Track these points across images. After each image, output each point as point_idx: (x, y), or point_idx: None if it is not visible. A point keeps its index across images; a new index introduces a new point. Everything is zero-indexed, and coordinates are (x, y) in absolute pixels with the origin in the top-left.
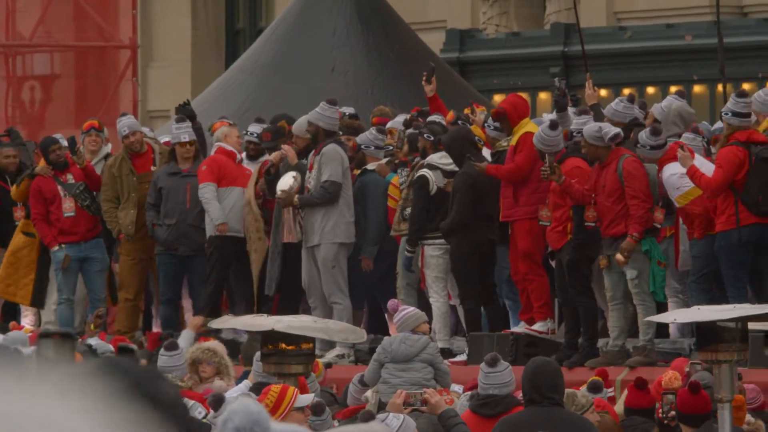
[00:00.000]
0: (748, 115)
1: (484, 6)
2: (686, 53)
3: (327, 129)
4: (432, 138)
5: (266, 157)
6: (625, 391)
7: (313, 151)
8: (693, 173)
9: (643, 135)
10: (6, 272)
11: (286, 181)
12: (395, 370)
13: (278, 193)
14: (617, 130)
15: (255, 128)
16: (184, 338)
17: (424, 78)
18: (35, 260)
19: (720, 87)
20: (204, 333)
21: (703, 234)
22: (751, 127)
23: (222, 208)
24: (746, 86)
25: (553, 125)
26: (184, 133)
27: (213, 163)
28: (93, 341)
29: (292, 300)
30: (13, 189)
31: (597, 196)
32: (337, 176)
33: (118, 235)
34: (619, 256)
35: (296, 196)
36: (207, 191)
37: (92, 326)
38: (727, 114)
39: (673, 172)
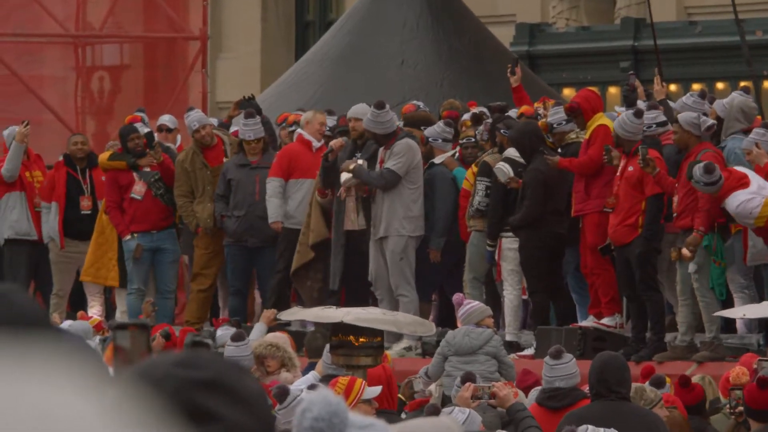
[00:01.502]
0: None
1: (554, 0)
2: (756, 48)
3: (383, 134)
4: (508, 133)
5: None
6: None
7: (384, 147)
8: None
9: (697, 172)
10: (95, 256)
11: (346, 174)
12: (459, 362)
13: (343, 181)
14: (713, 121)
15: (328, 121)
16: (257, 331)
17: (508, 69)
18: (117, 240)
19: None
20: (276, 326)
21: None
22: None
23: (292, 200)
24: None
25: (638, 113)
26: (250, 131)
27: (283, 157)
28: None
29: (358, 292)
30: (103, 156)
31: (679, 186)
32: (400, 169)
33: (196, 229)
34: (685, 251)
35: (354, 164)
36: (270, 186)
37: (144, 315)
38: None
39: (739, 202)
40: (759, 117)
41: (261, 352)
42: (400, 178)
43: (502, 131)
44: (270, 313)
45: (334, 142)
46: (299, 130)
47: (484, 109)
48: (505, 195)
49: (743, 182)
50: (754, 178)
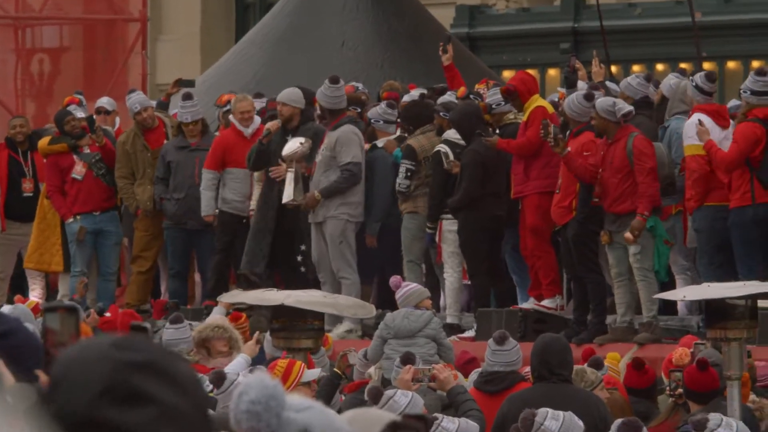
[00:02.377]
0: (766, 93)
1: None
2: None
3: (332, 108)
4: (448, 115)
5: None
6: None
7: (328, 127)
8: (709, 147)
9: (698, 78)
10: (37, 242)
11: (292, 146)
12: (398, 345)
13: (284, 154)
14: (630, 107)
15: (258, 103)
16: (216, 314)
17: (441, 47)
18: (59, 224)
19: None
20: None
21: (700, 203)
22: None
23: (228, 188)
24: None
25: (588, 96)
26: (188, 113)
27: (217, 147)
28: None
29: (291, 275)
30: (43, 141)
31: (603, 172)
32: (358, 156)
33: (135, 211)
34: (628, 235)
35: (317, 192)
36: (204, 179)
37: (78, 295)
38: (746, 92)
39: (696, 120)
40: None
41: (207, 335)
42: (361, 164)
43: (441, 113)
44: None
45: (271, 124)
46: (231, 117)
47: (424, 91)
48: (445, 177)
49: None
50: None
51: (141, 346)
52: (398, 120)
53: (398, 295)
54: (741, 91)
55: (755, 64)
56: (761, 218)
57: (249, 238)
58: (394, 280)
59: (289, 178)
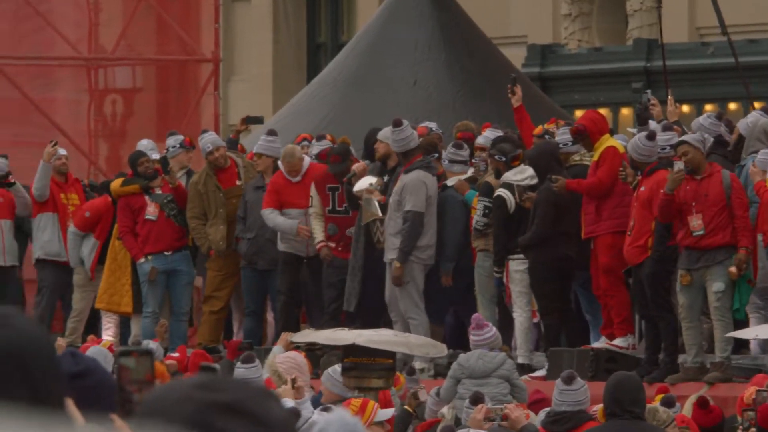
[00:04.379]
0: None
1: (566, 21)
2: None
3: (403, 151)
4: (503, 159)
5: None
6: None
7: (402, 168)
8: (759, 187)
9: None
10: (107, 282)
11: (362, 184)
12: (472, 385)
13: (355, 189)
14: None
15: (314, 148)
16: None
17: (509, 89)
18: (130, 265)
19: None
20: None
21: None
22: None
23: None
24: None
25: (650, 135)
26: (269, 148)
27: (272, 191)
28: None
29: (371, 315)
30: (115, 183)
31: (697, 206)
32: (420, 206)
33: (208, 251)
34: (733, 269)
35: (396, 262)
36: (266, 216)
37: (158, 339)
38: None
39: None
40: None
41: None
42: (423, 214)
43: (496, 157)
44: (287, 335)
45: (356, 166)
46: (279, 163)
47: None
48: (507, 220)
49: None
50: None
51: (227, 387)
52: (471, 159)
53: (478, 336)
54: None
55: None
56: None
57: (348, 276)
58: (477, 318)
59: (366, 199)
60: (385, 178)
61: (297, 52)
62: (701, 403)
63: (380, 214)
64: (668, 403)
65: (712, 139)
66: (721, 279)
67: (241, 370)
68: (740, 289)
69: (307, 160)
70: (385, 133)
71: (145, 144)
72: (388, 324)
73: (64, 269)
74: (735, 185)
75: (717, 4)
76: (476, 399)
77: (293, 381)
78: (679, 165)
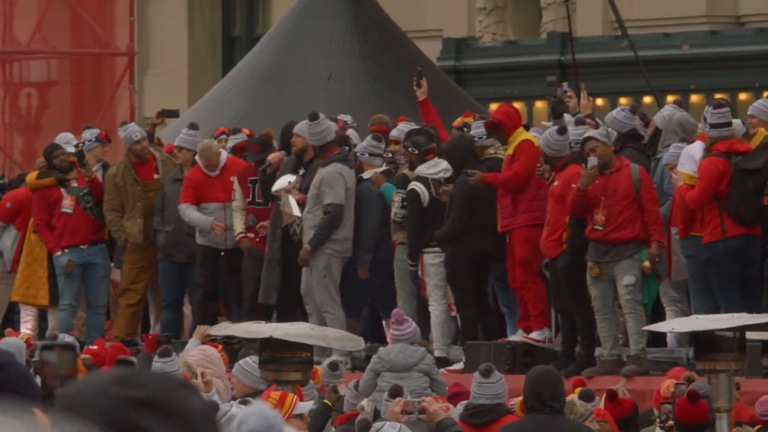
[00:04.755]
0: (726, 125)
1: (481, 15)
2: (683, 62)
3: (319, 145)
4: (417, 151)
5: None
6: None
7: (320, 161)
8: (683, 192)
9: (709, 111)
10: (24, 275)
11: (281, 183)
12: (392, 378)
13: (274, 190)
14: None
15: (238, 137)
16: (191, 347)
17: (414, 82)
18: (46, 258)
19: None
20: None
21: (686, 233)
22: (735, 137)
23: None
24: (743, 96)
25: (561, 130)
26: (189, 142)
27: (189, 185)
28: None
29: (288, 307)
30: (31, 176)
31: (605, 200)
32: (339, 198)
33: (125, 244)
34: (647, 264)
35: (306, 245)
36: (186, 210)
37: (76, 332)
38: (705, 127)
39: (694, 151)
40: (703, 134)
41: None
42: (343, 206)
43: (409, 149)
44: (203, 328)
45: (272, 157)
46: (197, 158)
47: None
48: (422, 214)
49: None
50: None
51: (144, 382)
52: (384, 154)
53: (399, 331)
54: (703, 127)
55: (742, 96)
56: (733, 251)
57: (263, 269)
58: (397, 313)
59: (285, 199)
60: (301, 172)
61: (212, 46)
62: (610, 396)
63: (299, 214)
64: (587, 396)
65: (615, 133)
66: (630, 272)
67: (158, 364)
68: (648, 284)
69: (224, 153)
70: (302, 127)
71: (64, 137)
72: (304, 317)
73: None
74: (644, 179)
75: (614, 4)
76: (395, 392)
77: (202, 375)
78: (593, 161)
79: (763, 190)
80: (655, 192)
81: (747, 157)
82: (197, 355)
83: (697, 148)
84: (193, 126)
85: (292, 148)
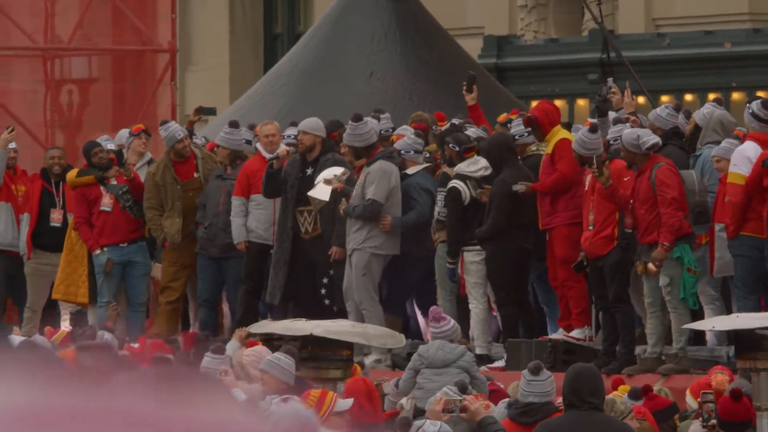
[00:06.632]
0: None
1: (522, 12)
2: (725, 60)
3: (364, 146)
4: (457, 148)
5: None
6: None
7: (365, 162)
8: (729, 193)
9: (754, 106)
10: (64, 273)
11: (329, 174)
12: (431, 374)
13: (324, 179)
14: (656, 139)
15: (291, 131)
16: (230, 350)
17: (464, 87)
18: (87, 256)
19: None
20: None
21: (736, 232)
22: None
23: (252, 215)
24: None
25: (593, 128)
26: (231, 141)
27: (243, 175)
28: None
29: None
30: (71, 174)
31: (633, 203)
32: (381, 196)
33: (163, 243)
34: (650, 266)
35: (342, 206)
36: (233, 206)
37: (110, 322)
38: (753, 123)
39: (749, 152)
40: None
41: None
42: (382, 205)
43: (450, 145)
44: (242, 331)
45: (281, 150)
46: (257, 144)
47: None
48: (464, 212)
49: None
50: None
51: None
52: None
53: (436, 328)
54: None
55: None
56: None
57: (270, 269)
58: (435, 311)
59: (320, 187)
60: (308, 171)
61: (254, 43)
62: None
63: (327, 199)
64: (636, 395)
65: (653, 140)
66: (664, 272)
67: (208, 359)
68: (683, 278)
69: (282, 145)
70: (311, 124)
71: (104, 137)
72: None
73: (12, 259)
74: (659, 181)
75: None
76: (463, 387)
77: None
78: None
79: None
80: (668, 194)
81: None
82: (251, 356)
83: (752, 149)
84: (233, 124)
85: (299, 146)
